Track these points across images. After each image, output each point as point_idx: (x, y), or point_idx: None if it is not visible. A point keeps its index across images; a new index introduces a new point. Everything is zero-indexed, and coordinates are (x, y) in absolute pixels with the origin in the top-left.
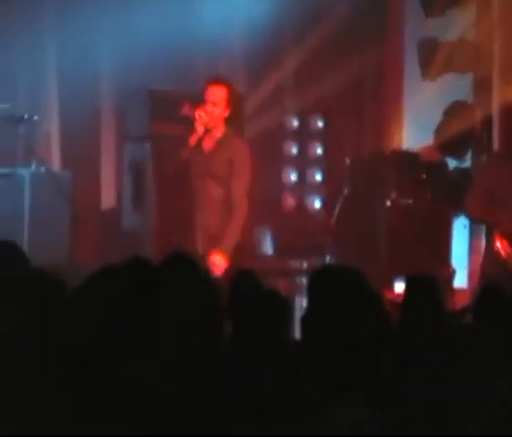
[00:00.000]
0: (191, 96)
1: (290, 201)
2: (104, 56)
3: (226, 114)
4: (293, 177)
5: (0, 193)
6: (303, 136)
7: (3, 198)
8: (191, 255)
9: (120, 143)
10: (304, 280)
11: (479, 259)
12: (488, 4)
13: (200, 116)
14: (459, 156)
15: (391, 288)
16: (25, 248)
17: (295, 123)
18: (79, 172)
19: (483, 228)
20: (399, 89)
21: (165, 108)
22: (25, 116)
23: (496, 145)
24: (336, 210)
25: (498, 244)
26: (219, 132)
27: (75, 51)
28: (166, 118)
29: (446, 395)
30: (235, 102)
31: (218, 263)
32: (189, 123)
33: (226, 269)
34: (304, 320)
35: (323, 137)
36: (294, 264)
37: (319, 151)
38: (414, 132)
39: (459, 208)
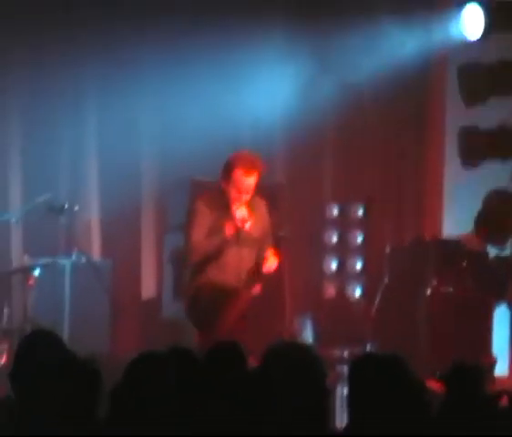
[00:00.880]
0: None
1: (330, 289)
2: (145, 146)
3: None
4: (334, 265)
5: (41, 283)
6: (343, 224)
7: (44, 287)
8: (238, 347)
9: (161, 232)
10: (345, 369)
11: None
12: None
13: (243, 216)
14: (500, 243)
15: (433, 376)
16: (65, 338)
17: (335, 211)
18: (120, 261)
19: None
20: (440, 177)
21: None
22: (66, 206)
23: None
24: (377, 299)
25: None
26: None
27: (115, 140)
28: None
29: None
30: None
31: (272, 261)
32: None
33: None
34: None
35: (364, 224)
36: (335, 352)
37: (359, 239)
38: (454, 219)
39: (500, 297)
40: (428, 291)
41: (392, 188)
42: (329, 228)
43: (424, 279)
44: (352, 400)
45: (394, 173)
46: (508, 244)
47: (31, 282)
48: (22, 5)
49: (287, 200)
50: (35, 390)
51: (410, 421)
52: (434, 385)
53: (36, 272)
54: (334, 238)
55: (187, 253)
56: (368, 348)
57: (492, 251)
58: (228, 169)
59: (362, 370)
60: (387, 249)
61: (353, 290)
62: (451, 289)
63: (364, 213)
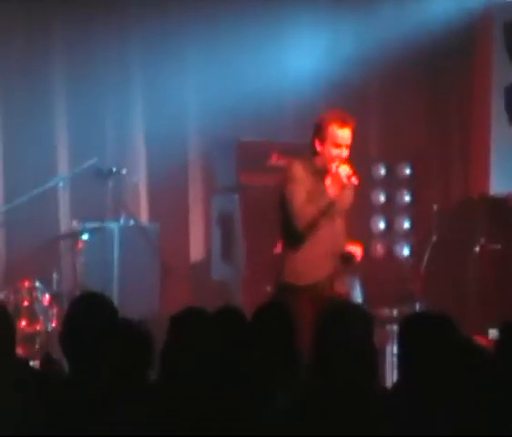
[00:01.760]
0: (279, 146)
1: (379, 249)
2: (192, 108)
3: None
4: (382, 224)
5: (90, 247)
6: (391, 183)
7: (92, 252)
8: (284, 306)
9: (208, 194)
10: (395, 328)
11: None
12: None
13: (347, 171)
14: None
15: (482, 334)
16: (115, 300)
17: (382, 170)
18: (168, 224)
19: None
20: (486, 135)
21: (253, 159)
22: (114, 170)
23: None
24: (425, 257)
25: None
26: None
27: (162, 104)
28: (254, 169)
29: None
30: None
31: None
32: (277, 172)
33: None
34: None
35: (411, 183)
36: (384, 312)
37: (407, 199)
38: (501, 177)
39: None
40: (476, 249)
41: (439, 146)
42: (376, 187)
43: (472, 237)
44: (401, 358)
45: (440, 131)
46: None
47: (79, 247)
48: None
49: None
50: (86, 352)
51: (459, 380)
52: (483, 342)
53: (85, 237)
54: (382, 198)
55: (293, 219)
56: (417, 307)
57: None
58: (322, 127)
59: (411, 328)
60: (435, 208)
61: (402, 250)
62: (499, 247)
63: (411, 172)
